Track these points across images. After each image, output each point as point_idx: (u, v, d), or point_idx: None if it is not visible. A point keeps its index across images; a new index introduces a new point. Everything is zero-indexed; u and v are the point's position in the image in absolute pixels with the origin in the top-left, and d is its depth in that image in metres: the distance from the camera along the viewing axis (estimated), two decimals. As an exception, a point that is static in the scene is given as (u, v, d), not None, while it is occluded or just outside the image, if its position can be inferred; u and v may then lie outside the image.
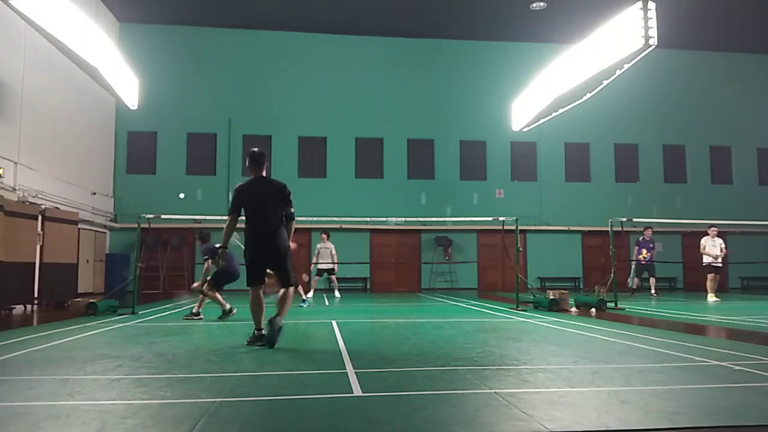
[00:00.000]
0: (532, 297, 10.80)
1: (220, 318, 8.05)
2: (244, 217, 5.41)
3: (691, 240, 17.47)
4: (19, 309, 10.09)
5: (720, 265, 12.93)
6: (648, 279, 14.94)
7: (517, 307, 9.84)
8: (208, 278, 8.21)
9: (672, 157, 20.72)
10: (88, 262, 15.79)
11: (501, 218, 11.38)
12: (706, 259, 12.87)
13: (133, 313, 8.91)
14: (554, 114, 13.54)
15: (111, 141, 17.97)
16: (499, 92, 18.55)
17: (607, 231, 10.99)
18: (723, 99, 20.88)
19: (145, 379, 3.74)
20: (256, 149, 5.58)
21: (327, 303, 12.01)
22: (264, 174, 5.50)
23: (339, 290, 14.53)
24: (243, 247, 5.41)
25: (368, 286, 18.70)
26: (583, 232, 19.63)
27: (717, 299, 12.41)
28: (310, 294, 12.67)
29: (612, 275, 10.59)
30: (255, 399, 3.24)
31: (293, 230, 5.57)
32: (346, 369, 4.09)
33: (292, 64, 19.15)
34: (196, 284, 8.53)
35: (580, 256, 19.76)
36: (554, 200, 19.72)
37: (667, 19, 11.72)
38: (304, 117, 19.04)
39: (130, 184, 18.05)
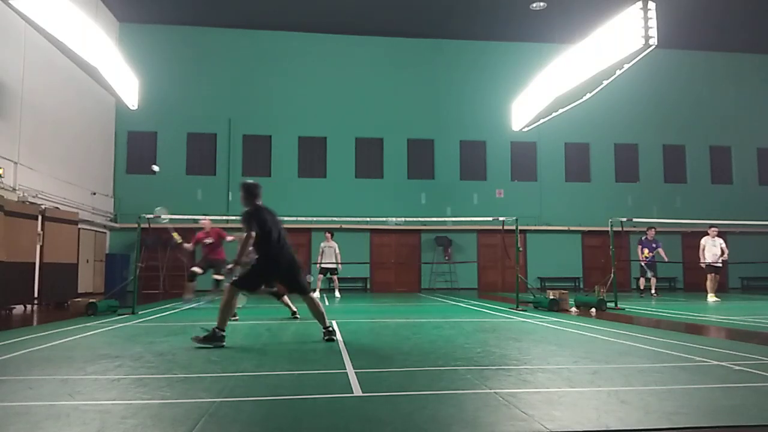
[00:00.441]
0: (532, 297, 10.80)
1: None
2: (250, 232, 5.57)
3: (691, 240, 17.46)
4: (19, 309, 10.08)
5: (720, 265, 12.93)
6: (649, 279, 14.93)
7: (517, 307, 9.84)
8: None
9: (672, 157, 20.72)
10: (88, 262, 15.79)
11: (501, 218, 11.38)
12: (707, 259, 12.87)
13: (133, 313, 8.90)
14: (554, 114, 13.53)
15: (111, 141, 17.97)
16: (499, 92, 18.55)
17: (607, 231, 10.99)
18: (723, 99, 20.89)
19: (145, 379, 3.74)
20: (250, 181, 5.85)
21: (327, 303, 12.01)
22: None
23: (339, 290, 14.57)
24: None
25: (368, 286, 18.70)
26: (583, 232, 19.63)
27: (717, 299, 12.42)
28: (317, 293, 12.71)
29: (612, 275, 10.59)
30: (255, 399, 3.24)
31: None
32: (346, 369, 4.09)
33: (292, 64, 19.16)
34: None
35: (580, 256, 19.76)
36: (554, 200, 19.72)
37: (667, 19, 11.73)
38: (304, 117, 19.04)
39: (130, 184, 18.05)
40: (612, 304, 10.06)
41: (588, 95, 11.70)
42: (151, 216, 9.75)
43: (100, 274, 16.74)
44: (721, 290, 14.51)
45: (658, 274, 15.24)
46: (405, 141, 19.55)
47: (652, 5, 8.79)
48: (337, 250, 13.61)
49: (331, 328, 5.76)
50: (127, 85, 12.04)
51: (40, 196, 12.74)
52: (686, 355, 4.64)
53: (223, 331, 5.29)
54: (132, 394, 3.33)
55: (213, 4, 17.29)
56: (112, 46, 11.38)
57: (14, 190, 11.80)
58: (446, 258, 18.76)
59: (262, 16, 18.12)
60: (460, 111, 19.68)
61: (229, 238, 9.87)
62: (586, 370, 4.04)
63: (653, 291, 14.74)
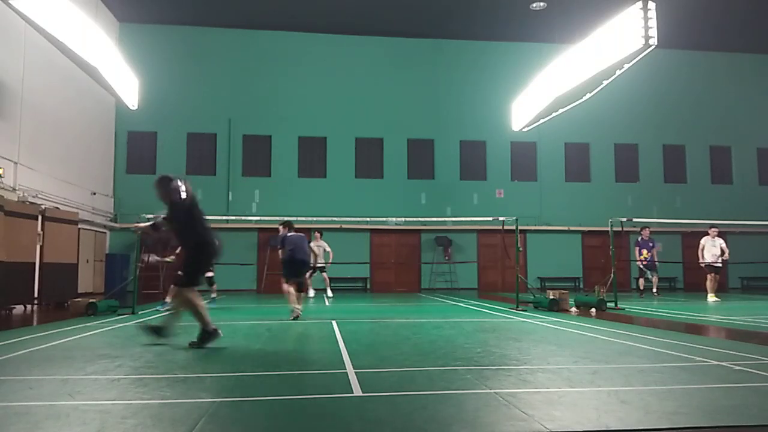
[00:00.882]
0: (532, 297, 10.80)
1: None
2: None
3: (691, 240, 17.45)
4: (19, 309, 10.09)
5: (719, 265, 12.93)
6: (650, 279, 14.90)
7: (517, 307, 9.84)
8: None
9: (672, 157, 20.71)
10: (88, 262, 15.78)
11: (501, 218, 11.39)
12: (707, 259, 12.87)
13: (133, 313, 8.91)
14: (554, 114, 13.53)
15: (111, 141, 17.97)
16: (499, 92, 18.55)
17: (607, 231, 10.99)
18: (723, 99, 20.89)
19: (145, 379, 3.74)
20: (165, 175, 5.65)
21: (327, 303, 12.01)
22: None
23: (331, 289, 14.57)
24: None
25: (368, 286, 18.70)
26: (583, 232, 19.62)
27: (717, 299, 12.42)
28: (312, 293, 12.71)
29: (612, 275, 10.59)
30: (255, 399, 3.24)
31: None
32: (346, 369, 4.09)
33: (292, 64, 19.15)
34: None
35: (580, 256, 19.76)
36: (554, 200, 19.72)
37: (667, 19, 11.73)
38: (304, 117, 19.04)
39: (130, 184, 18.04)
40: (612, 304, 10.06)
41: (588, 95, 11.70)
42: (141, 225, 9.70)
43: (100, 274, 16.73)
44: (721, 290, 14.51)
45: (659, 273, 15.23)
46: (405, 141, 19.54)
47: (652, 5, 8.79)
48: (328, 248, 13.62)
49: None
50: (127, 85, 12.04)
51: (40, 196, 12.74)
52: (686, 355, 4.64)
53: (211, 325, 5.26)
54: (132, 394, 3.33)
55: (213, 4, 17.29)
56: (112, 46, 11.37)
57: (14, 190, 11.80)
58: (446, 258, 18.75)
59: (262, 16, 18.12)
60: (460, 111, 19.68)
61: None
62: (586, 370, 4.04)
63: (655, 290, 14.70)
